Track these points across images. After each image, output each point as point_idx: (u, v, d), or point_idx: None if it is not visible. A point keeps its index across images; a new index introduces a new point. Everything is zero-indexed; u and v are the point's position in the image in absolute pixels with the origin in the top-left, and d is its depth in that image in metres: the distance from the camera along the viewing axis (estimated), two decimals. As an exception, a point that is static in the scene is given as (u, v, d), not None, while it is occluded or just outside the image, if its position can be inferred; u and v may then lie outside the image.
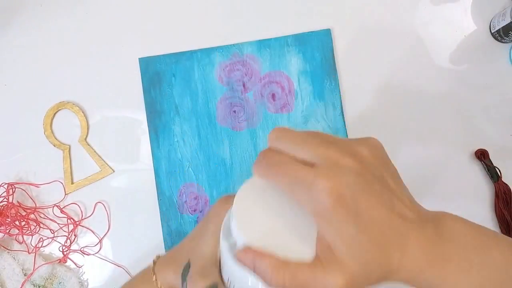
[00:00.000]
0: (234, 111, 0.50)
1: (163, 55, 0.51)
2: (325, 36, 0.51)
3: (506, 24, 0.47)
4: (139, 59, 0.51)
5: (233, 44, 0.51)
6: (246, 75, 0.51)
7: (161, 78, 0.51)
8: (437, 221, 0.28)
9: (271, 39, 0.51)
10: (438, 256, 0.27)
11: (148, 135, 0.50)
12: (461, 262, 0.27)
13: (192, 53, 0.51)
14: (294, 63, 0.51)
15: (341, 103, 0.50)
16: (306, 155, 0.25)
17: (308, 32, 0.51)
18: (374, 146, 0.27)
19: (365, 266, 0.25)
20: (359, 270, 0.25)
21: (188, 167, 0.50)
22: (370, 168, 0.26)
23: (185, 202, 0.50)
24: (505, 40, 0.49)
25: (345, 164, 0.25)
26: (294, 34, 0.51)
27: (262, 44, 0.51)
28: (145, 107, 0.50)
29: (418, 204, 0.29)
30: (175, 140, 0.50)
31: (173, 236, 0.50)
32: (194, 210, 0.50)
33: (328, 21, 0.51)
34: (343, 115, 0.50)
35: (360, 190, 0.25)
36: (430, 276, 0.27)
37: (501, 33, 0.48)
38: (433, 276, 0.27)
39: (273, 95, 0.51)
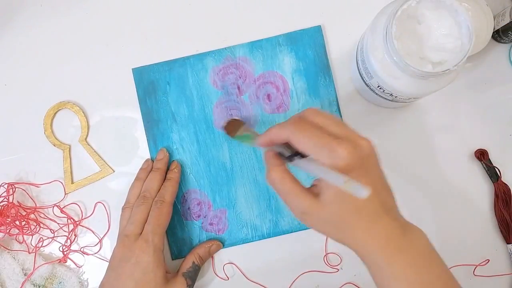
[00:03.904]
0: (231, 114, 0.50)
1: (156, 64, 0.51)
2: (316, 33, 0.51)
3: (506, 24, 0.47)
4: (133, 69, 0.51)
5: (225, 48, 0.51)
6: (240, 77, 0.51)
7: (155, 86, 0.51)
8: (408, 225, 0.35)
9: (262, 40, 0.51)
10: (395, 245, 0.33)
11: (147, 144, 0.50)
12: (411, 260, 0.33)
13: (184, 59, 0.51)
14: (287, 62, 0.51)
15: (336, 98, 0.50)
16: (334, 130, 0.33)
17: (299, 30, 0.51)
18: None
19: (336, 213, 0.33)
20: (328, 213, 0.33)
21: (189, 173, 0.50)
22: (376, 155, 0.34)
23: (188, 208, 0.50)
24: (504, 40, 0.49)
25: (361, 143, 0.33)
26: (285, 33, 0.51)
27: (254, 46, 0.51)
28: (142, 117, 0.50)
29: (397, 205, 0.36)
30: (174, 147, 0.50)
31: (178, 243, 0.50)
32: (198, 216, 0.50)
33: (318, 18, 0.51)
34: (339, 110, 0.50)
35: (369, 163, 0.33)
36: (380, 258, 0.33)
37: (501, 33, 0.48)
38: (383, 259, 0.32)
39: (269, 96, 0.51)
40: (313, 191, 0.34)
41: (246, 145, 0.49)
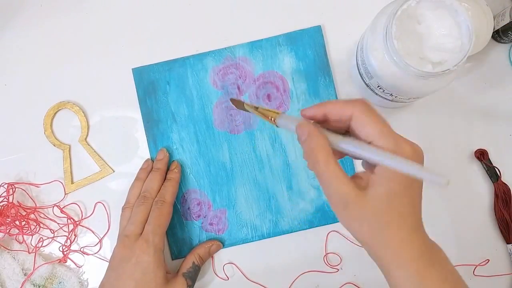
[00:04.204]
0: (231, 115, 0.50)
1: (156, 64, 0.51)
2: (316, 33, 0.51)
3: (506, 24, 0.47)
4: (133, 69, 0.51)
5: (225, 48, 0.51)
6: (240, 77, 0.51)
7: (155, 87, 0.51)
8: (432, 243, 0.33)
9: (262, 40, 0.51)
10: (429, 257, 0.31)
11: (147, 144, 0.50)
12: (443, 275, 0.31)
13: (184, 59, 0.51)
14: (287, 62, 0.51)
15: (336, 98, 0.50)
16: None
17: (299, 30, 0.51)
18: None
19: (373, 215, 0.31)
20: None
21: (189, 173, 0.50)
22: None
23: (188, 208, 0.50)
24: (504, 40, 0.49)
25: (420, 149, 0.31)
26: (285, 33, 0.51)
27: (254, 46, 0.51)
28: (142, 117, 0.50)
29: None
30: (174, 147, 0.50)
31: (178, 243, 0.50)
32: (198, 216, 0.50)
33: (318, 18, 0.51)
34: None
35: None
36: (413, 268, 0.30)
37: (501, 33, 0.49)
38: (415, 272, 0.30)
39: (268, 96, 0.51)
40: (359, 183, 0.32)
41: (258, 116, 0.42)
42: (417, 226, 0.32)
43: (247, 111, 0.42)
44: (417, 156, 0.30)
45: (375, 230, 0.31)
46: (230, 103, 0.46)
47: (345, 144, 0.31)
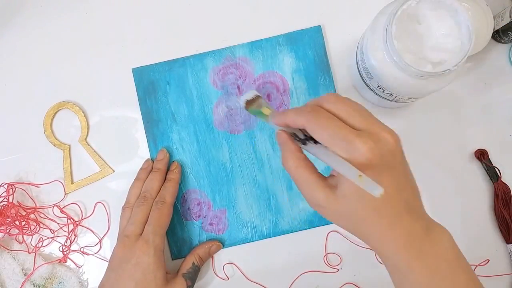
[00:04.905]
0: (231, 115, 0.50)
1: (156, 64, 0.51)
2: (316, 33, 0.51)
3: (506, 24, 0.47)
4: (133, 69, 0.51)
5: (225, 48, 0.51)
6: (240, 77, 0.51)
7: (155, 87, 0.51)
8: (433, 225, 0.32)
9: (262, 40, 0.51)
10: (416, 248, 0.30)
11: (147, 144, 0.50)
12: (434, 265, 0.30)
13: (184, 59, 0.51)
14: (287, 62, 0.51)
15: None
16: (355, 120, 0.31)
17: (299, 30, 0.51)
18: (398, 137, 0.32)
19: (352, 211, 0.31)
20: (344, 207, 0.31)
21: (189, 173, 0.50)
22: (401, 150, 0.32)
23: (188, 208, 0.50)
24: (504, 40, 0.49)
25: (384, 137, 0.30)
26: (285, 34, 0.51)
27: (254, 46, 0.51)
28: (142, 117, 0.50)
29: (422, 203, 0.33)
30: (174, 147, 0.50)
31: (178, 243, 0.50)
32: (198, 216, 0.50)
33: (318, 18, 0.51)
34: None
35: (392, 159, 0.31)
36: (400, 261, 0.30)
37: (501, 33, 0.48)
38: (403, 263, 0.30)
39: (269, 96, 0.51)
40: (331, 182, 0.32)
41: (260, 119, 0.44)
42: (400, 214, 0.30)
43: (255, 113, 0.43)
44: (375, 153, 0.29)
45: (356, 225, 0.32)
46: (243, 104, 0.45)
47: (305, 147, 0.33)
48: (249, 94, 0.44)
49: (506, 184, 0.49)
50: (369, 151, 0.29)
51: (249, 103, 0.44)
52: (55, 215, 0.50)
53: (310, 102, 0.34)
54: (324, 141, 0.30)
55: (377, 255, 0.33)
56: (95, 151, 0.51)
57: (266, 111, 0.40)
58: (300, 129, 0.34)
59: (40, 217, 0.50)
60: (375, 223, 0.31)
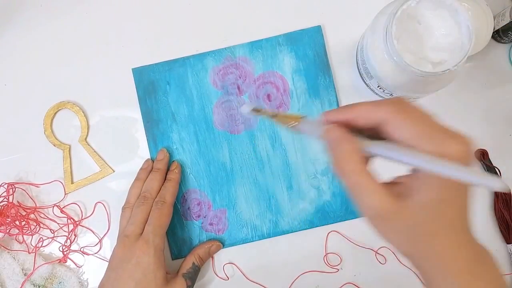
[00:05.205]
0: (231, 115, 0.50)
1: (156, 64, 0.51)
2: (316, 33, 0.51)
3: (506, 24, 0.47)
4: (133, 69, 0.51)
5: (225, 48, 0.51)
6: (240, 77, 0.51)
7: (155, 86, 0.51)
8: (481, 248, 0.30)
9: (262, 40, 0.51)
10: (474, 271, 0.28)
11: (147, 144, 0.50)
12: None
13: (184, 59, 0.51)
14: (287, 62, 0.51)
15: (337, 99, 0.50)
16: (436, 122, 0.27)
17: (299, 30, 0.51)
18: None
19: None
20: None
21: (189, 173, 0.50)
22: None
23: (188, 208, 0.50)
24: (504, 40, 0.49)
25: (471, 142, 0.27)
26: (285, 33, 0.51)
27: (254, 46, 0.51)
28: (142, 117, 0.50)
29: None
30: (174, 147, 0.50)
31: (178, 243, 0.50)
32: (198, 216, 0.50)
33: (318, 18, 0.51)
34: None
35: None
36: (460, 283, 0.27)
37: (501, 33, 0.49)
38: (460, 285, 0.27)
39: (269, 96, 0.51)
40: (395, 189, 0.28)
41: (265, 119, 0.41)
42: (465, 231, 0.28)
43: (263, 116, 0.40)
44: (467, 157, 0.26)
45: (417, 242, 0.28)
46: (250, 110, 0.42)
47: (377, 148, 0.27)
48: (251, 105, 0.41)
49: (506, 184, 0.49)
50: (463, 155, 0.26)
51: (257, 110, 0.42)
52: (55, 215, 0.50)
53: (380, 100, 0.29)
54: (411, 139, 0.26)
55: (420, 277, 0.30)
56: (95, 151, 0.51)
57: (293, 117, 0.34)
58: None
59: (40, 217, 0.50)
60: (445, 237, 0.27)
